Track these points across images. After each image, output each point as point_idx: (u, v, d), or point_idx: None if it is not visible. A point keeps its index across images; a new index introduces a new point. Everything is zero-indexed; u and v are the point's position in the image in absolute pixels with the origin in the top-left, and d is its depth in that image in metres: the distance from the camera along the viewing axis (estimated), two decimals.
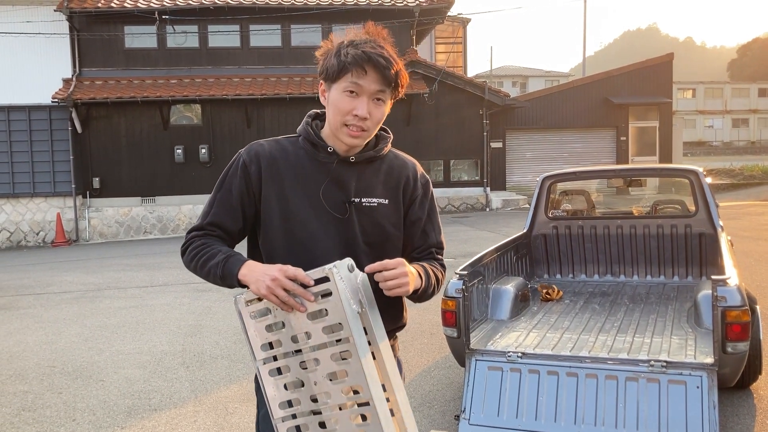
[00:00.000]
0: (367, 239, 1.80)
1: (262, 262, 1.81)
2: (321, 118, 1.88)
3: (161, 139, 16.78)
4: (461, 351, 3.94)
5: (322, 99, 1.83)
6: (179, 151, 16.60)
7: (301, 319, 1.61)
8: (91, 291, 9.19)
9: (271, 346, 1.72)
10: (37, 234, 16.41)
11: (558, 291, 5.30)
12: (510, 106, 19.04)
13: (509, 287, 4.72)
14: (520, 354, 3.81)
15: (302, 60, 17.64)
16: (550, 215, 5.96)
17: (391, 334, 1.90)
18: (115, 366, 5.59)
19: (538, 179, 5.91)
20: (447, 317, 3.99)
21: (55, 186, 16.37)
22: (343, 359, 1.58)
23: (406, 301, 1.93)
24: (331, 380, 1.61)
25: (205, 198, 1.92)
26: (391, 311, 1.84)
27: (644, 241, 5.71)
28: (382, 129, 1.90)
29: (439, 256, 1.94)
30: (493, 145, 19.28)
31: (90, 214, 16.58)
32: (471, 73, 35.95)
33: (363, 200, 1.81)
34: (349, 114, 1.73)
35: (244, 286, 1.69)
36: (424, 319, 6.44)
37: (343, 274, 1.55)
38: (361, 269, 1.77)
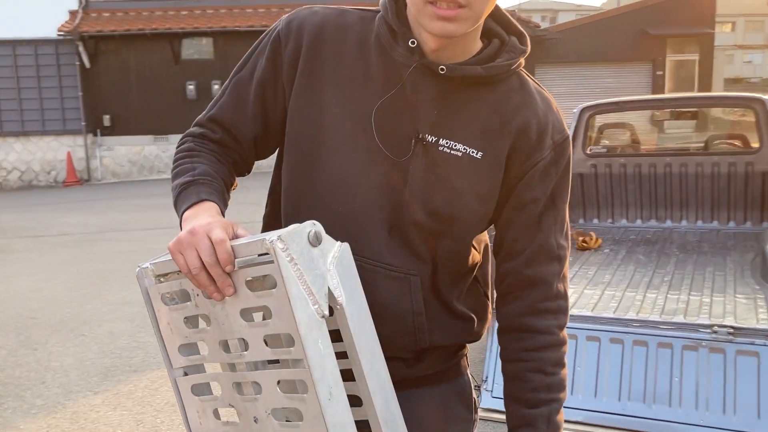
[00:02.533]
0: (429, 206, 1.07)
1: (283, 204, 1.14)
2: None
3: (172, 74, 16.05)
4: None
5: None
6: (191, 87, 15.88)
7: (231, 316, 0.92)
8: (91, 233, 8.70)
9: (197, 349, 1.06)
10: (49, 173, 15.97)
11: (596, 238, 4.64)
12: (541, 37, 17.95)
13: None
14: None
15: None
16: (589, 152, 5.23)
17: (454, 350, 1.23)
18: (100, 319, 5.07)
19: (575, 111, 5.15)
20: None
21: (65, 123, 15.80)
22: (296, 392, 0.92)
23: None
24: (284, 419, 0.95)
25: None
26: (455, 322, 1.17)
27: (696, 181, 4.97)
28: (514, 33, 1.11)
29: (561, 302, 1.13)
30: None
31: (102, 153, 16.08)
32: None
33: (441, 141, 1.06)
34: None
35: None
36: None
37: (296, 250, 0.85)
38: (410, 247, 1.07)
